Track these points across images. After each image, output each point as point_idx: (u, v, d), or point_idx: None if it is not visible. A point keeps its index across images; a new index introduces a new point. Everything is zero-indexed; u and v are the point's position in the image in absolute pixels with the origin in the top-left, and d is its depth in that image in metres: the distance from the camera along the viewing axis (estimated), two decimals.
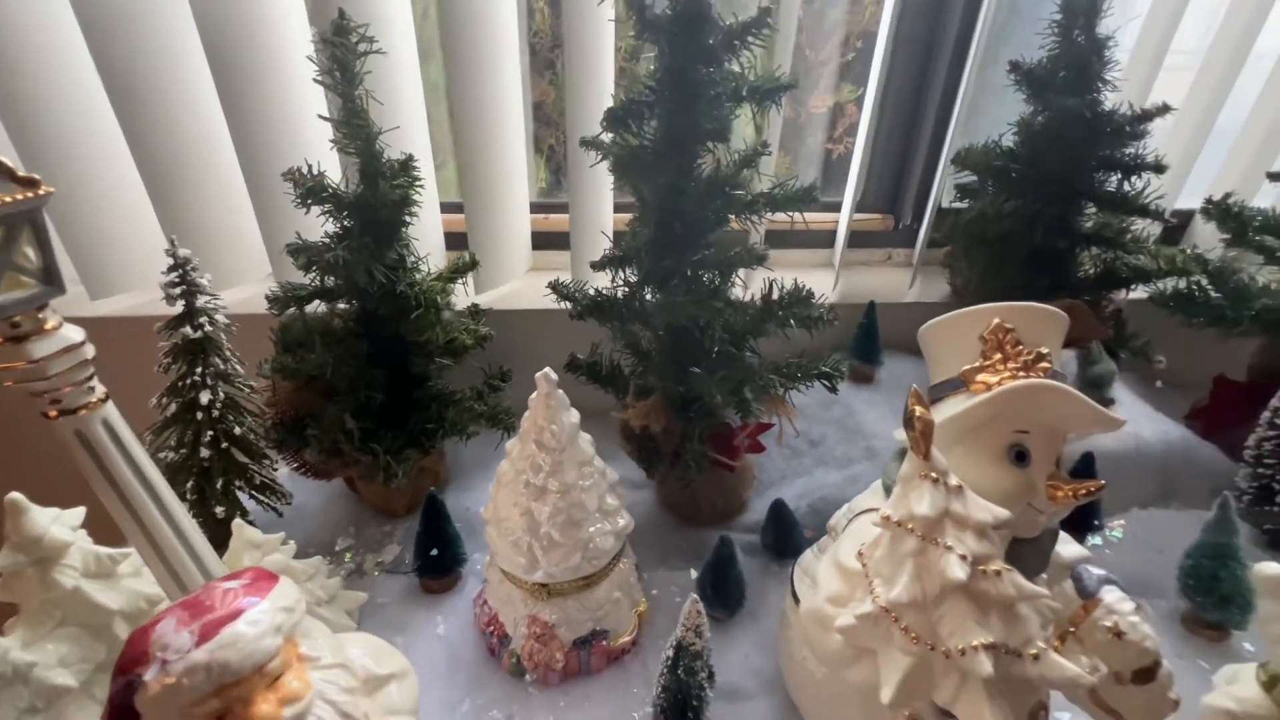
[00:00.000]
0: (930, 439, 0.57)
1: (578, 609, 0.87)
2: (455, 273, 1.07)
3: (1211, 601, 0.93)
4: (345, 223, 0.92)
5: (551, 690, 0.87)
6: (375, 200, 0.89)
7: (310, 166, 0.90)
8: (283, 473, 1.11)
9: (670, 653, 0.75)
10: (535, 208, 1.48)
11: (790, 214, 0.96)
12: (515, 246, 1.40)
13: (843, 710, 0.71)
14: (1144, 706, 0.66)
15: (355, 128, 0.87)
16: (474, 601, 0.97)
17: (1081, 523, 1.05)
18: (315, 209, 0.91)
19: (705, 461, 0.98)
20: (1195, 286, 1.26)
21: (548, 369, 0.80)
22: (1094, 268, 1.20)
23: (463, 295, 1.21)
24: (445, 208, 1.35)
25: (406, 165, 0.91)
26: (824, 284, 1.45)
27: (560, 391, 0.83)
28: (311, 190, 0.89)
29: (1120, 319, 1.22)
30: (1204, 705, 0.73)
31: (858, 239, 1.55)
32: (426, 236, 1.23)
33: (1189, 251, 1.18)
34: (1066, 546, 0.74)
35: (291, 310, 0.95)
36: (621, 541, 0.91)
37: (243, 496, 1.00)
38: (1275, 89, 1.39)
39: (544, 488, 0.82)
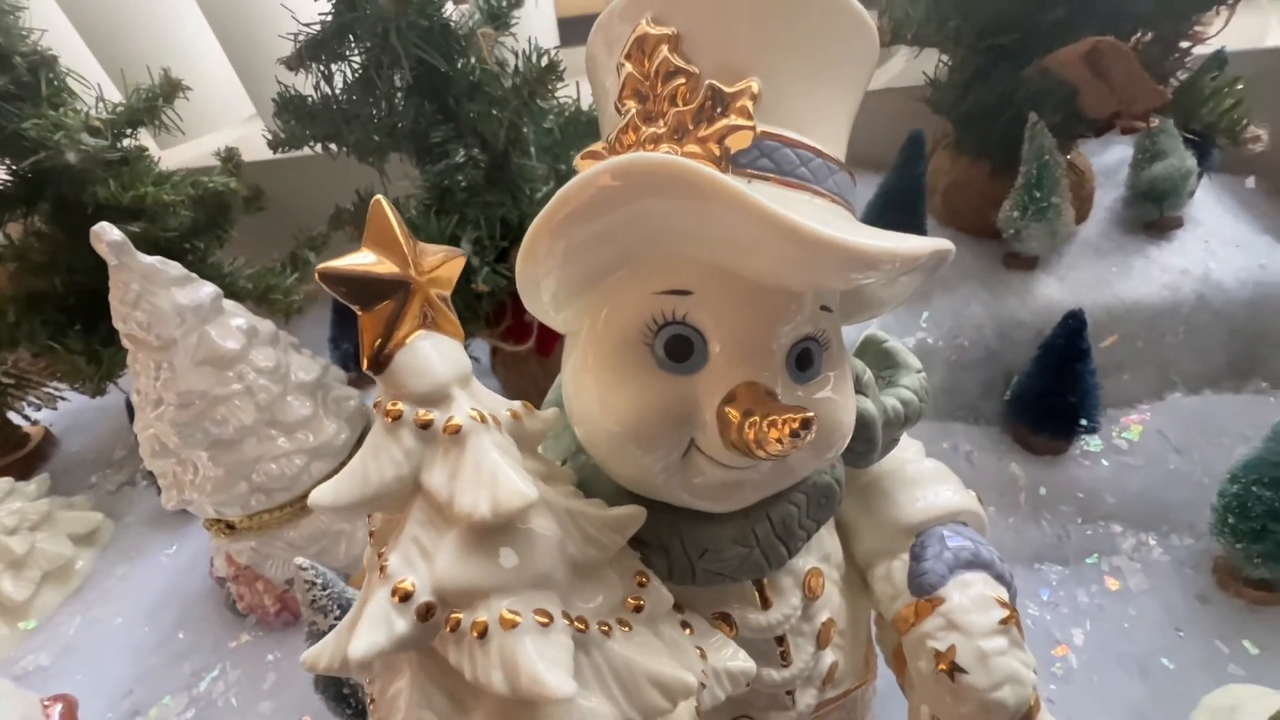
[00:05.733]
0: (393, 324, 0.25)
1: (280, 546, 0.67)
2: (147, 106, 0.77)
3: (1260, 550, 0.55)
4: None
5: (271, 635, 0.70)
6: None
7: None
8: None
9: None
10: None
11: None
12: None
13: None
14: None
15: None
16: None
17: (1064, 421, 0.66)
18: None
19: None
20: None
21: (103, 224, 0.52)
22: None
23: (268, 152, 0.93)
24: None
25: None
26: None
27: (147, 260, 0.55)
28: None
29: (1197, 78, 0.70)
30: None
31: None
32: None
33: None
34: (922, 492, 0.41)
35: None
36: (334, 460, 0.66)
37: None
38: None
39: (159, 398, 0.58)
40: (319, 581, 0.51)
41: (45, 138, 0.68)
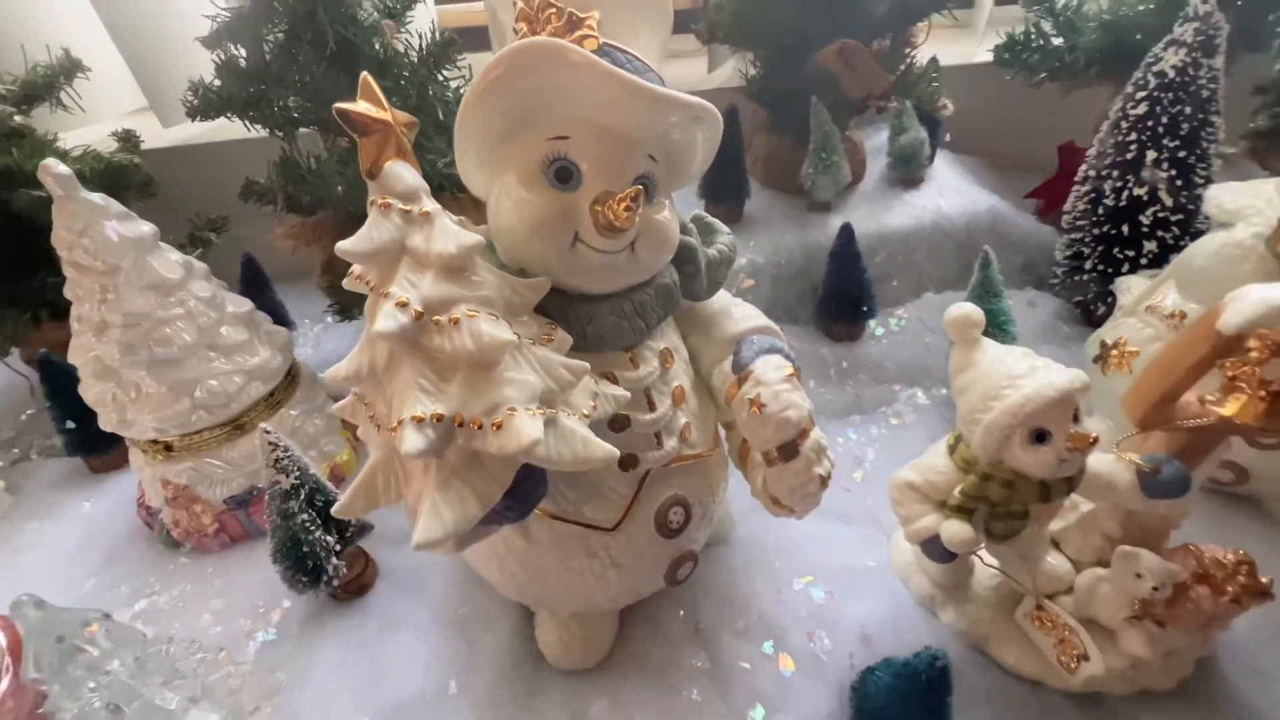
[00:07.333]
0: (381, 149, 0.39)
1: (218, 465, 0.73)
2: (46, 82, 0.82)
3: None
4: None
5: (208, 558, 0.75)
6: None
7: None
8: None
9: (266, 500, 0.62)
10: None
11: None
12: None
13: None
14: (788, 487, 0.54)
15: None
16: None
17: (853, 311, 0.91)
18: None
19: None
20: (1034, 30, 1.05)
21: (51, 159, 0.60)
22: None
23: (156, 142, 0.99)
24: None
25: None
26: None
27: (91, 196, 0.62)
28: None
29: (910, 70, 1.00)
30: (889, 482, 0.62)
31: None
32: None
33: None
34: (740, 318, 0.59)
35: None
36: (269, 383, 0.75)
37: None
38: None
39: (104, 321, 0.65)
40: (280, 444, 0.61)
41: None
